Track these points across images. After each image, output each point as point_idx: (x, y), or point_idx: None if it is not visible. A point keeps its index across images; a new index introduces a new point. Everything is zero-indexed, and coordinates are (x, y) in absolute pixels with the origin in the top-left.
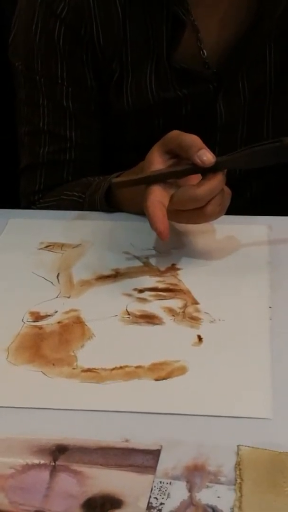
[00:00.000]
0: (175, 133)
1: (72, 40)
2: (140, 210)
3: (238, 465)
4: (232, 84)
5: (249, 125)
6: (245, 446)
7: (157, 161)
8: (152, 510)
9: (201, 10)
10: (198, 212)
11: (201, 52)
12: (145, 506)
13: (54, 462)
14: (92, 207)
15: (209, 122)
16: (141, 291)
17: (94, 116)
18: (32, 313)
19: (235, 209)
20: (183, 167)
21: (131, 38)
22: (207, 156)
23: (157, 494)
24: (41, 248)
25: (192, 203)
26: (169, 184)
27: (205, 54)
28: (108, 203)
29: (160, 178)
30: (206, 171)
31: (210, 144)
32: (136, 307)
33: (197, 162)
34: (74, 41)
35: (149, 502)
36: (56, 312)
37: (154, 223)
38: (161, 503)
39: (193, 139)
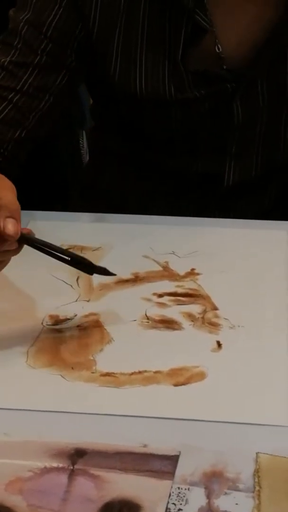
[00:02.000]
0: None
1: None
2: None
3: (256, 473)
4: (250, 85)
5: (267, 125)
6: (264, 453)
7: None
8: None
9: (221, 11)
10: None
11: (219, 53)
12: (163, 511)
13: (73, 466)
14: None
15: (227, 120)
16: (160, 295)
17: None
18: (51, 316)
19: (253, 214)
20: None
21: (148, 36)
22: (11, 228)
23: (175, 499)
24: None
25: None
26: None
27: (223, 53)
28: None
29: None
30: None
31: (228, 141)
32: (155, 312)
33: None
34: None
35: (167, 508)
36: (76, 315)
37: None
38: (179, 509)
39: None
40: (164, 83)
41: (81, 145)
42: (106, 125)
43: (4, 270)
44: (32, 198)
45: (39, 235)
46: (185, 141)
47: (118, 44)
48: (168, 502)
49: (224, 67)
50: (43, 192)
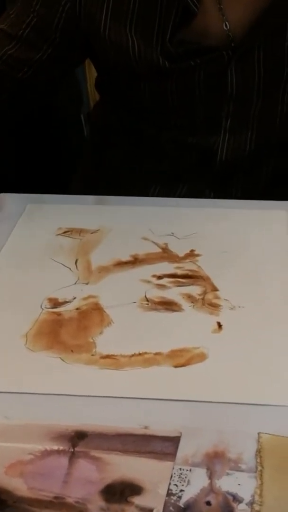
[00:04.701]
0: None
1: None
2: None
3: (258, 453)
4: (246, 54)
5: (263, 101)
6: (266, 433)
7: None
8: (172, 497)
9: None
10: None
11: (224, 25)
12: (165, 493)
13: (73, 448)
14: None
15: (221, 90)
16: (159, 277)
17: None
18: (50, 300)
19: (250, 193)
20: None
21: (138, 15)
22: None
23: (177, 481)
24: (59, 234)
25: None
26: None
27: (228, 26)
28: None
29: None
30: None
31: (223, 114)
32: (155, 294)
33: None
34: None
35: (169, 489)
36: (75, 298)
37: None
38: (181, 490)
39: None
40: (158, 59)
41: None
42: (108, 98)
43: (3, 253)
44: (32, 183)
45: (37, 217)
46: (181, 114)
47: (106, 21)
48: (170, 483)
49: (230, 34)
50: (42, 177)
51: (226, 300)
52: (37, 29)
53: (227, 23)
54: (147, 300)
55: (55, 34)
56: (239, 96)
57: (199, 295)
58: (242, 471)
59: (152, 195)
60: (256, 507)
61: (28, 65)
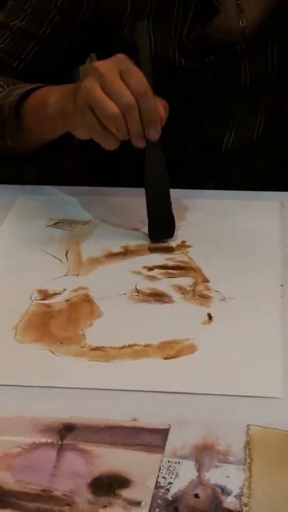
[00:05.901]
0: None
1: None
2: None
3: (247, 445)
4: (260, 48)
5: (274, 95)
6: (255, 425)
7: None
8: (160, 489)
9: None
10: None
11: (241, 22)
12: (153, 485)
13: (62, 441)
14: None
15: (234, 83)
16: (150, 268)
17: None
18: (40, 291)
19: (250, 183)
20: None
21: (156, 10)
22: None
23: (165, 473)
24: (50, 225)
25: None
26: None
27: (245, 23)
28: (17, 114)
29: None
30: None
31: (233, 107)
32: (145, 285)
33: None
34: None
35: (157, 482)
36: (65, 290)
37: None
38: (169, 483)
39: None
40: (174, 55)
41: None
42: None
43: None
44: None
45: (27, 209)
46: (190, 106)
47: (128, 16)
48: (158, 476)
49: (244, 22)
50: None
51: (217, 291)
52: (60, 27)
53: (243, 20)
54: (138, 292)
55: (78, 32)
56: (251, 90)
57: (190, 286)
58: (231, 463)
59: None
60: (245, 500)
61: (53, 63)
